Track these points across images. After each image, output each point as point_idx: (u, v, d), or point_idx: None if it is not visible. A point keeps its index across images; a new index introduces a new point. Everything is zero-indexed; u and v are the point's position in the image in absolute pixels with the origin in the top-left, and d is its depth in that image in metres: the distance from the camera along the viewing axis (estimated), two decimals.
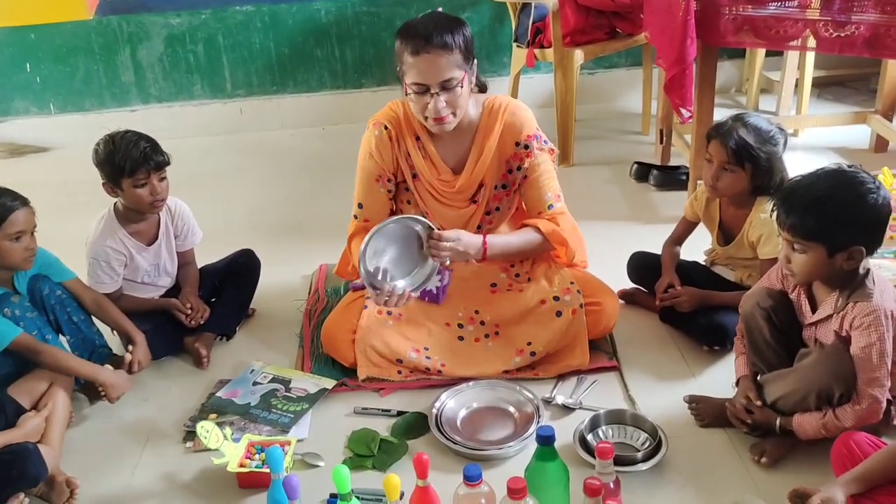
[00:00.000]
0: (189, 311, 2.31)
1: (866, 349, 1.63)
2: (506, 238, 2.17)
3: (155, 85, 4.13)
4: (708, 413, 1.93)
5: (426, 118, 2.05)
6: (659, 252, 2.38)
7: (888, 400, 1.68)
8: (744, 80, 4.19)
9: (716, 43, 2.62)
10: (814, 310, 1.76)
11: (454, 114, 2.05)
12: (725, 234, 2.26)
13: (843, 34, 2.57)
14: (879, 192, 1.61)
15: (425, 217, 2.08)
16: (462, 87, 2.02)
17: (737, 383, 1.91)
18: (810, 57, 3.58)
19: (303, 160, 3.84)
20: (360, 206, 2.26)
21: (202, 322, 2.33)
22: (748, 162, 2.06)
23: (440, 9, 2.11)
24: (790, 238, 1.66)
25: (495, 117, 2.16)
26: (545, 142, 2.20)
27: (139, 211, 2.25)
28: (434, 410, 1.97)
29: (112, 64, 4.06)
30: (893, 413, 1.73)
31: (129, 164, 2.14)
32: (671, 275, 2.28)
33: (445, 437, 1.90)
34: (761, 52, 3.82)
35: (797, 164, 2.87)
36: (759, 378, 1.85)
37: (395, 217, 2.02)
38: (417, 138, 2.18)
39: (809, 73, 3.65)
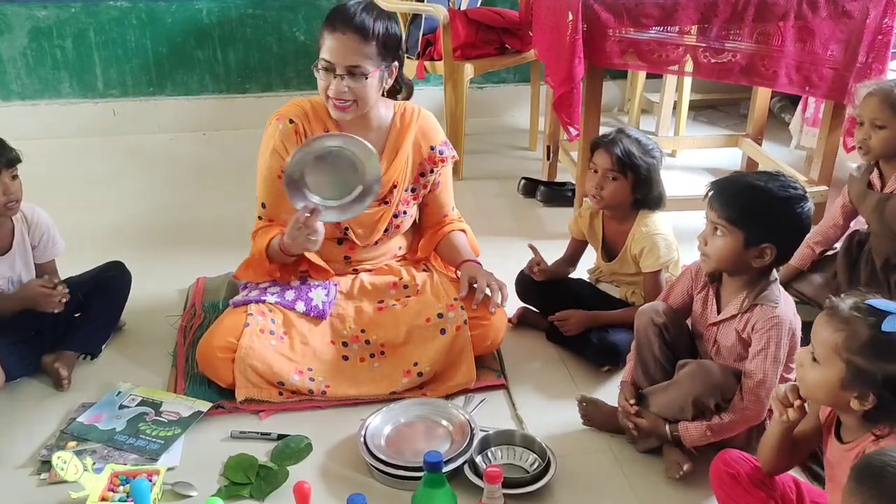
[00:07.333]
0: (53, 288, 2.06)
1: (762, 352, 1.69)
2: (466, 244, 2.29)
3: (17, 81, 3.82)
4: (595, 417, 1.96)
5: (327, 98, 2.03)
6: None
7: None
8: (626, 100, 4.32)
9: (602, 64, 2.66)
10: (720, 310, 1.80)
11: (357, 103, 2.01)
12: (608, 251, 2.29)
13: (720, 61, 2.69)
14: (806, 205, 1.69)
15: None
16: (370, 79, 1.99)
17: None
18: (688, 81, 3.74)
19: (182, 167, 3.64)
20: (263, 205, 2.17)
21: (63, 304, 2.09)
22: (630, 171, 2.12)
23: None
24: (715, 220, 1.71)
25: (408, 120, 2.17)
26: (451, 149, 2.24)
27: None
28: (361, 431, 1.87)
29: None
30: (754, 434, 1.78)
31: None
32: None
33: (372, 455, 1.80)
34: (642, 73, 3.94)
35: (675, 182, 2.99)
36: (642, 391, 1.88)
37: (332, 134, 2.02)
38: (327, 132, 2.11)
39: (687, 96, 3.81)
